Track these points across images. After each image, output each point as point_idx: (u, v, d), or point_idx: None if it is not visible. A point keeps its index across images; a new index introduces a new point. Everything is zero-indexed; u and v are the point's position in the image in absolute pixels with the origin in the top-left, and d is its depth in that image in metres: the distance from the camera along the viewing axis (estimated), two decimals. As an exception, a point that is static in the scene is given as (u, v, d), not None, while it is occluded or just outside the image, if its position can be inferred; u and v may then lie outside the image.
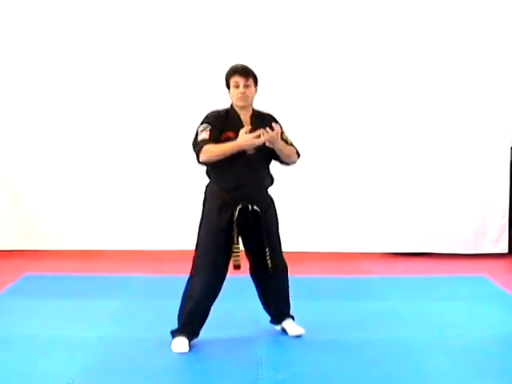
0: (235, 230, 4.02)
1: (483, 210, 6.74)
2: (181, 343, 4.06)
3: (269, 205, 4.19)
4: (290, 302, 4.37)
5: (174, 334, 4.12)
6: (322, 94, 6.59)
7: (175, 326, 4.13)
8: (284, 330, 4.35)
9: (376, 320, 4.67)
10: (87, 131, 6.69)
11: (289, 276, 4.33)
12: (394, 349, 4.13)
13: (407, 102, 6.65)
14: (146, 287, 5.56)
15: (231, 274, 4.14)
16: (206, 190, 4.22)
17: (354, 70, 6.60)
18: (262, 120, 4.10)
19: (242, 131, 3.98)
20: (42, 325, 4.52)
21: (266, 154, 4.11)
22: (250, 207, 4.05)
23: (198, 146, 4.01)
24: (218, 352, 4.06)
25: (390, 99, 6.65)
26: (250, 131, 4.02)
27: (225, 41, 6.54)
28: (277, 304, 4.34)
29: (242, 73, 4.05)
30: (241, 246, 4.14)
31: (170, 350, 4.04)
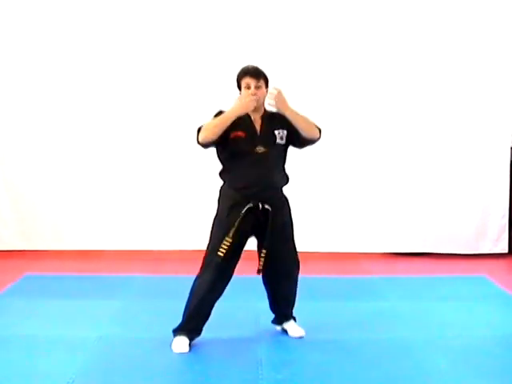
0: (236, 225, 3.96)
1: (483, 210, 6.74)
2: (181, 343, 4.06)
3: (282, 204, 4.15)
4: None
5: (176, 332, 4.11)
6: (323, 97, 6.58)
7: (175, 326, 4.13)
8: (285, 331, 4.35)
9: (376, 320, 4.67)
10: (87, 131, 6.69)
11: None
12: (394, 349, 4.13)
13: (407, 102, 6.65)
14: (146, 287, 5.55)
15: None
16: (219, 192, 4.18)
17: (355, 72, 6.60)
18: (273, 120, 4.09)
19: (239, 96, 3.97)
20: (42, 325, 4.52)
21: (279, 151, 4.10)
22: (260, 206, 4.03)
23: (198, 130, 4.01)
24: (218, 352, 4.05)
25: (390, 100, 6.65)
26: (260, 131, 4.04)
27: (226, 41, 6.54)
28: (284, 305, 4.33)
29: (253, 74, 4.03)
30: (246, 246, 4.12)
31: (170, 349, 4.04)
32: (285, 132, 4.08)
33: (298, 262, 4.25)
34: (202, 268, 4.11)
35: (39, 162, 6.71)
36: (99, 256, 6.68)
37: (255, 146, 4.03)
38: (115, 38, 6.61)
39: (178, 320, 4.13)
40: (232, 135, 4.01)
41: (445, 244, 6.74)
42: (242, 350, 4.08)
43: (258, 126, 4.07)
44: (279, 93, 3.99)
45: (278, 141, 4.05)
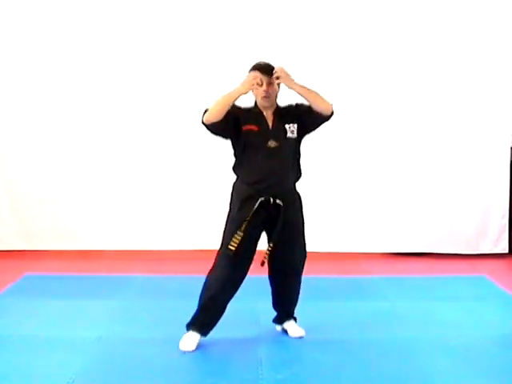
0: (247, 219, 3.95)
1: (483, 210, 6.73)
2: (189, 340, 4.04)
3: (294, 200, 4.14)
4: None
5: (188, 326, 4.09)
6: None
7: (175, 325, 4.13)
8: (285, 331, 4.35)
9: (376, 320, 4.67)
10: (87, 131, 6.68)
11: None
12: (394, 349, 4.13)
13: (407, 103, 6.64)
14: (146, 287, 5.55)
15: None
16: (232, 187, 4.17)
17: (357, 75, 6.57)
18: (285, 114, 4.10)
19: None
20: (42, 325, 4.52)
21: (291, 146, 4.09)
22: (271, 200, 4.02)
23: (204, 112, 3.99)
24: (218, 352, 4.05)
25: (390, 101, 6.64)
26: (272, 126, 4.05)
27: (226, 41, 6.53)
28: (287, 303, 4.34)
29: (266, 70, 4.02)
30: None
31: (171, 349, 4.03)
32: (295, 126, 4.08)
33: (305, 258, 4.24)
34: (214, 263, 4.11)
35: (39, 163, 6.71)
36: (99, 256, 6.67)
37: (267, 140, 4.03)
38: (114, 39, 6.59)
39: (178, 320, 4.13)
40: (245, 128, 4.02)
41: (445, 244, 6.74)
42: (242, 350, 4.09)
43: (270, 122, 4.08)
44: (281, 69, 3.98)
45: (289, 135, 4.06)
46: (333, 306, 4.99)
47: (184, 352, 4.01)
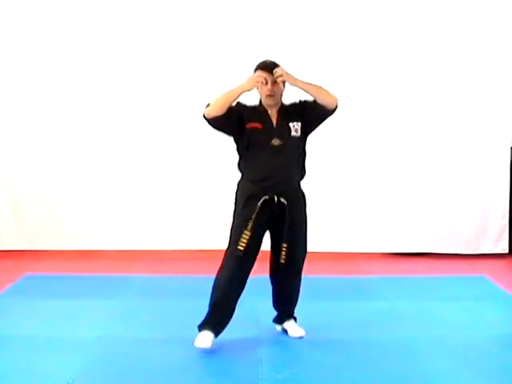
0: (253, 217, 3.95)
1: (483, 210, 6.73)
2: (205, 338, 4.02)
3: (298, 199, 4.15)
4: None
5: (201, 327, 4.08)
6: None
7: (175, 325, 4.13)
8: (285, 331, 4.34)
9: (376, 320, 4.67)
10: (87, 131, 6.68)
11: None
12: (394, 349, 4.13)
13: (408, 104, 6.64)
14: (146, 287, 5.55)
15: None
16: (237, 186, 4.17)
17: (358, 75, 6.57)
18: (289, 113, 4.10)
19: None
20: (42, 325, 4.52)
21: (295, 145, 4.09)
22: (276, 199, 4.02)
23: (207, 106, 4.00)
24: (219, 352, 4.05)
25: (390, 102, 6.63)
26: (276, 124, 4.05)
27: (226, 40, 6.53)
28: (287, 302, 4.34)
29: (271, 69, 4.03)
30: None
31: (171, 349, 4.03)
32: (299, 124, 4.09)
33: (304, 261, 4.25)
34: (223, 262, 4.11)
35: (39, 163, 6.70)
36: (99, 256, 6.67)
37: (271, 138, 4.03)
38: (114, 39, 6.59)
39: (178, 320, 4.13)
40: (249, 126, 4.03)
41: (445, 244, 6.73)
42: (242, 350, 4.08)
43: (274, 120, 4.09)
44: (281, 69, 3.99)
45: (293, 133, 4.06)
46: (333, 306, 4.99)
47: (200, 349, 3.97)
